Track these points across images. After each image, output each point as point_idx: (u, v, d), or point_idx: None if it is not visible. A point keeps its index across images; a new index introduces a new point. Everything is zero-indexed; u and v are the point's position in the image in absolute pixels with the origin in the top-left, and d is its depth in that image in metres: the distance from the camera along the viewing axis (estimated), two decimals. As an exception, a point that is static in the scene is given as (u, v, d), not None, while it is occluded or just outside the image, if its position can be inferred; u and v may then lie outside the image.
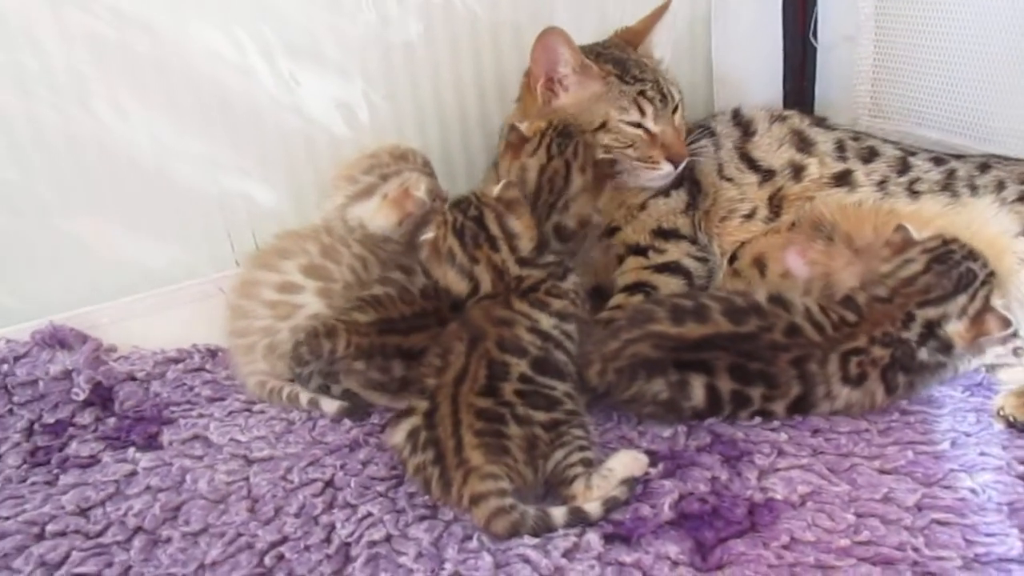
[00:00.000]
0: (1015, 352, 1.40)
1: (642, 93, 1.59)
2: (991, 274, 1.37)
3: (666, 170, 1.60)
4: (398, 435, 1.27)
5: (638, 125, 1.60)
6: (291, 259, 1.55)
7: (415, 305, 1.49)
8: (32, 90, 1.58)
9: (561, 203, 1.52)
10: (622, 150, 1.60)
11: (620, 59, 1.62)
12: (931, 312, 1.35)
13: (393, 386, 1.47)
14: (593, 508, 1.19)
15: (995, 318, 1.34)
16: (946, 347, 1.35)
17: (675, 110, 1.64)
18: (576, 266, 1.51)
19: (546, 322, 1.38)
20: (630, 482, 1.23)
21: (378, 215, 1.62)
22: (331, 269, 1.55)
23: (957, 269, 1.35)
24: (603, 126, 1.60)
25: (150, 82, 1.65)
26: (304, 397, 1.48)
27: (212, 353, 1.70)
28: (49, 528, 1.25)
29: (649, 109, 1.59)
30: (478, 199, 1.46)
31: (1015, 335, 1.38)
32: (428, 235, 1.46)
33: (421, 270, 1.53)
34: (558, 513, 1.17)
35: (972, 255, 1.38)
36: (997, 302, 1.36)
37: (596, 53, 1.63)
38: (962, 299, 1.34)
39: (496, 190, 1.47)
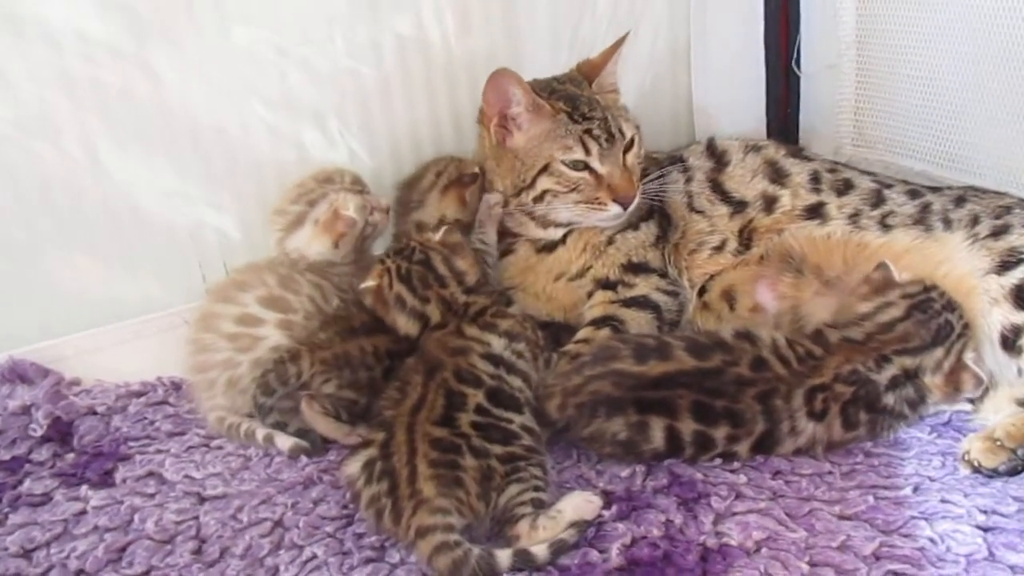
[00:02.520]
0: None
1: (588, 132, 1.56)
2: (966, 326, 1.35)
3: (614, 211, 1.58)
4: (353, 466, 1.26)
5: (584, 166, 1.56)
6: (250, 291, 1.55)
7: (370, 311, 1.51)
8: (3, 119, 1.59)
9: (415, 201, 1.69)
10: (566, 194, 1.58)
11: (572, 96, 1.60)
12: (907, 361, 1.32)
13: (364, 402, 1.46)
14: (540, 551, 1.16)
15: (970, 376, 1.31)
16: (921, 398, 1.32)
17: (628, 148, 1.60)
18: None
19: (497, 343, 1.39)
20: (580, 525, 1.20)
21: (313, 242, 1.62)
22: (290, 300, 1.55)
23: (936, 320, 1.33)
24: (545, 168, 1.58)
25: (121, 118, 1.66)
26: (260, 433, 1.46)
27: (176, 386, 1.68)
28: (-11, 572, 1.23)
29: (594, 148, 1.56)
30: (421, 244, 1.50)
31: (987, 390, 1.35)
32: (369, 283, 1.47)
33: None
34: (503, 555, 1.14)
35: (951, 306, 1.35)
36: (969, 355, 1.33)
37: (551, 89, 1.62)
38: (938, 352, 1.32)
39: (439, 235, 1.52)
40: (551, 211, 1.61)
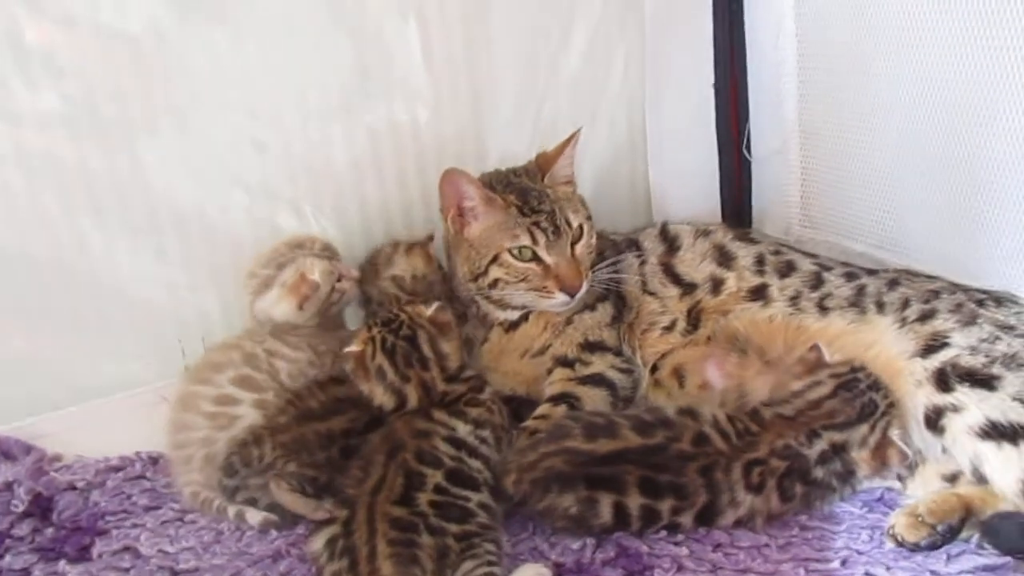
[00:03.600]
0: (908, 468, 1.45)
1: (536, 224, 1.65)
2: (891, 405, 1.44)
3: (561, 299, 1.67)
4: (318, 542, 1.33)
5: (532, 255, 1.66)
6: (223, 372, 1.63)
7: (330, 391, 1.60)
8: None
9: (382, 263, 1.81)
10: (516, 283, 1.68)
11: (524, 189, 1.70)
12: (835, 436, 1.41)
13: (324, 478, 1.52)
14: (493, 625, 1.22)
15: (895, 451, 1.40)
16: (849, 472, 1.41)
17: (577, 239, 1.70)
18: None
19: (463, 429, 1.47)
20: (530, 599, 1.27)
21: (279, 304, 1.69)
22: (257, 379, 1.64)
23: (861, 399, 1.42)
24: (495, 259, 1.68)
25: (106, 201, 1.74)
26: (232, 510, 1.53)
27: (154, 460, 1.74)
28: (-36, 650, 1.29)
29: (541, 239, 1.64)
30: (410, 319, 1.55)
31: (912, 465, 1.44)
32: (353, 348, 1.54)
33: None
34: (460, 630, 1.21)
35: (876, 385, 1.44)
36: (895, 432, 1.42)
37: (506, 182, 1.73)
38: (863, 429, 1.41)
39: (430, 311, 1.58)
40: (505, 296, 1.71)
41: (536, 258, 1.66)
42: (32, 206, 1.70)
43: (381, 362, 1.51)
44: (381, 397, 1.52)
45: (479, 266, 1.70)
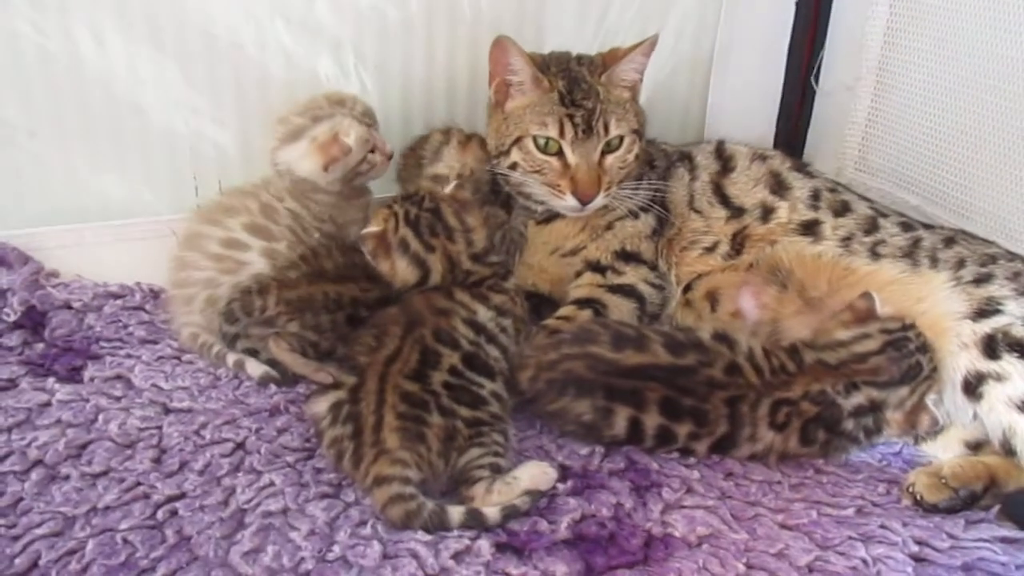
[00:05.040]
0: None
1: (570, 116, 1.55)
2: (935, 370, 1.38)
3: (571, 203, 1.57)
4: (321, 405, 1.28)
5: (556, 148, 1.56)
6: (236, 216, 1.55)
7: (348, 255, 1.52)
8: (10, 3, 1.55)
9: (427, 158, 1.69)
10: (530, 173, 1.59)
11: (575, 79, 1.59)
12: (874, 393, 1.35)
13: (326, 344, 1.48)
14: (491, 513, 1.19)
15: (928, 416, 1.35)
16: (878, 428, 1.36)
17: (607, 149, 1.59)
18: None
19: (483, 314, 1.40)
20: (534, 494, 1.23)
21: (304, 159, 1.58)
22: (271, 229, 1.55)
23: (908, 360, 1.35)
24: (518, 140, 1.58)
25: (135, 14, 1.63)
26: (231, 358, 1.48)
27: (154, 294, 1.68)
28: (-53, 448, 1.24)
29: (569, 134, 1.55)
30: (431, 194, 1.47)
31: (941, 429, 1.40)
32: (372, 229, 1.44)
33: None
34: (455, 512, 1.17)
35: (924, 347, 1.38)
36: (931, 397, 1.36)
37: (564, 66, 1.62)
38: (904, 391, 1.35)
39: (449, 189, 1.50)
40: (522, 184, 1.62)
41: (559, 152, 1.57)
42: (59, 8, 1.58)
43: (405, 233, 1.42)
44: (403, 272, 1.42)
45: (503, 143, 1.61)
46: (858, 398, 1.34)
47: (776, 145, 2.15)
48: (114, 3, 1.61)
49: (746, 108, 2.13)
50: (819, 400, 1.35)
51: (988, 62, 1.69)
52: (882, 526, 1.23)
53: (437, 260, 1.42)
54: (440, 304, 1.38)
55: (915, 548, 1.19)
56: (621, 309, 1.60)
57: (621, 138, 1.60)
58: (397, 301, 1.42)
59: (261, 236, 1.55)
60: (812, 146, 2.18)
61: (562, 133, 1.55)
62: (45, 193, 1.68)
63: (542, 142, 1.57)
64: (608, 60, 1.64)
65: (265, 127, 1.75)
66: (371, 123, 1.66)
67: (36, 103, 1.63)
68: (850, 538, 1.20)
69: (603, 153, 1.59)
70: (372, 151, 1.63)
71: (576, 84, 1.58)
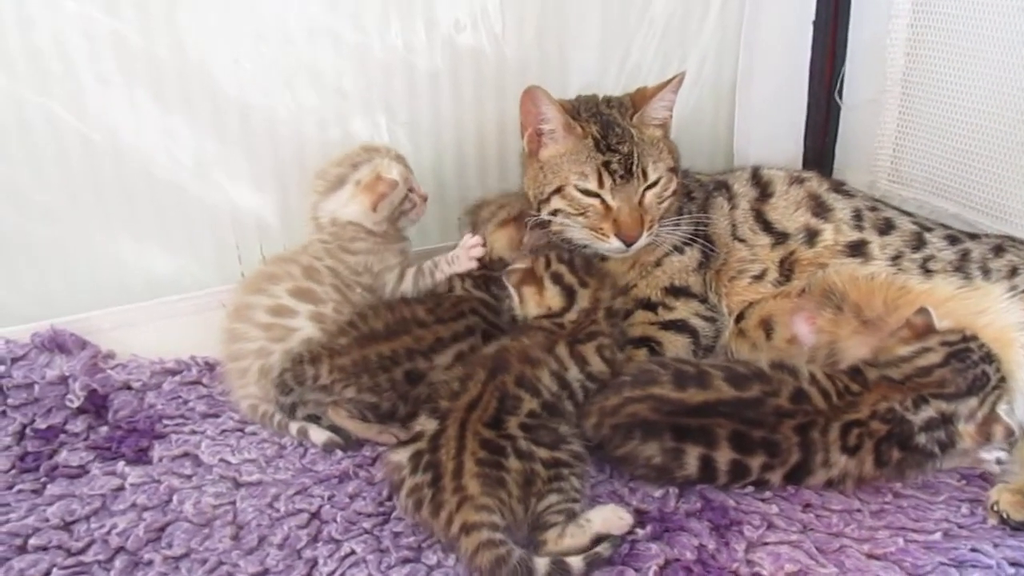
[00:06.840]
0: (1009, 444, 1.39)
1: (607, 164, 1.54)
2: (1002, 379, 1.36)
3: (615, 245, 1.57)
4: (401, 455, 1.29)
5: (596, 195, 1.56)
6: (280, 283, 1.55)
7: (398, 310, 1.54)
8: (50, 90, 1.58)
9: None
10: (575, 216, 1.58)
11: (608, 123, 1.59)
12: (943, 406, 1.34)
13: (387, 405, 1.48)
14: (576, 564, 1.18)
15: (1002, 427, 1.33)
16: (952, 442, 1.35)
17: (649, 188, 1.58)
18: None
19: (574, 374, 1.40)
20: (615, 540, 1.23)
21: (351, 203, 1.59)
22: (316, 291, 1.56)
23: (973, 370, 1.35)
24: (559, 190, 1.58)
25: (171, 93, 1.66)
26: (294, 426, 1.48)
27: (210, 367, 1.69)
28: (32, 541, 1.24)
29: (608, 182, 1.55)
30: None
31: (1016, 439, 1.38)
32: (519, 266, 1.51)
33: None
34: (541, 563, 1.16)
35: (988, 357, 1.37)
36: (1003, 407, 1.35)
37: (594, 110, 1.62)
38: (973, 402, 1.34)
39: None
40: (564, 228, 1.61)
41: (600, 197, 1.57)
42: (99, 96, 1.61)
43: (559, 268, 1.50)
44: (551, 298, 1.48)
45: (543, 192, 1.61)
46: (928, 412, 1.33)
47: (806, 163, 2.15)
48: (150, 79, 1.63)
49: (773, 130, 2.13)
50: (888, 418, 1.34)
51: (1018, 60, 1.68)
52: (973, 549, 1.21)
53: (586, 296, 1.47)
54: (534, 354, 1.39)
55: (1011, 571, 1.17)
56: (676, 345, 1.60)
57: (658, 179, 1.60)
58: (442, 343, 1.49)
59: (307, 300, 1.55)
60: (841, 161, 2.17)
61: (600, 183, 1.56)
62: (94, 276, 1.70)
63: (583, 189, 1.57)
64: (638, 100, 1.64)
65: (303, 190, 1.78)
66: (405, 165, 1.68)
67: (78, 188, 1.65)
68: (942, 564, 1.19)
69: (642, 192, 1.59)
70: (411, 190, 1.65)
71: (610, 128, 1.59)
